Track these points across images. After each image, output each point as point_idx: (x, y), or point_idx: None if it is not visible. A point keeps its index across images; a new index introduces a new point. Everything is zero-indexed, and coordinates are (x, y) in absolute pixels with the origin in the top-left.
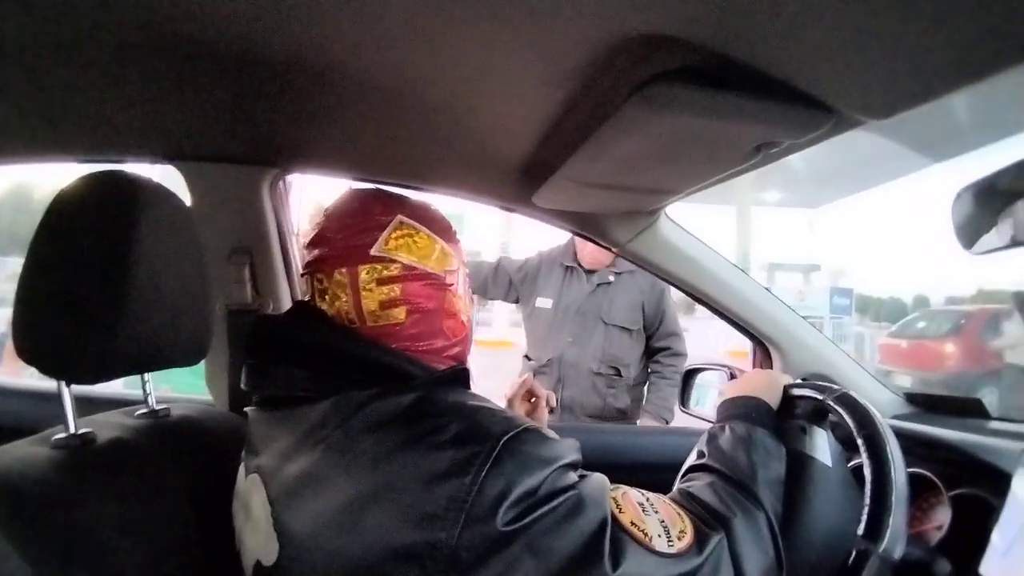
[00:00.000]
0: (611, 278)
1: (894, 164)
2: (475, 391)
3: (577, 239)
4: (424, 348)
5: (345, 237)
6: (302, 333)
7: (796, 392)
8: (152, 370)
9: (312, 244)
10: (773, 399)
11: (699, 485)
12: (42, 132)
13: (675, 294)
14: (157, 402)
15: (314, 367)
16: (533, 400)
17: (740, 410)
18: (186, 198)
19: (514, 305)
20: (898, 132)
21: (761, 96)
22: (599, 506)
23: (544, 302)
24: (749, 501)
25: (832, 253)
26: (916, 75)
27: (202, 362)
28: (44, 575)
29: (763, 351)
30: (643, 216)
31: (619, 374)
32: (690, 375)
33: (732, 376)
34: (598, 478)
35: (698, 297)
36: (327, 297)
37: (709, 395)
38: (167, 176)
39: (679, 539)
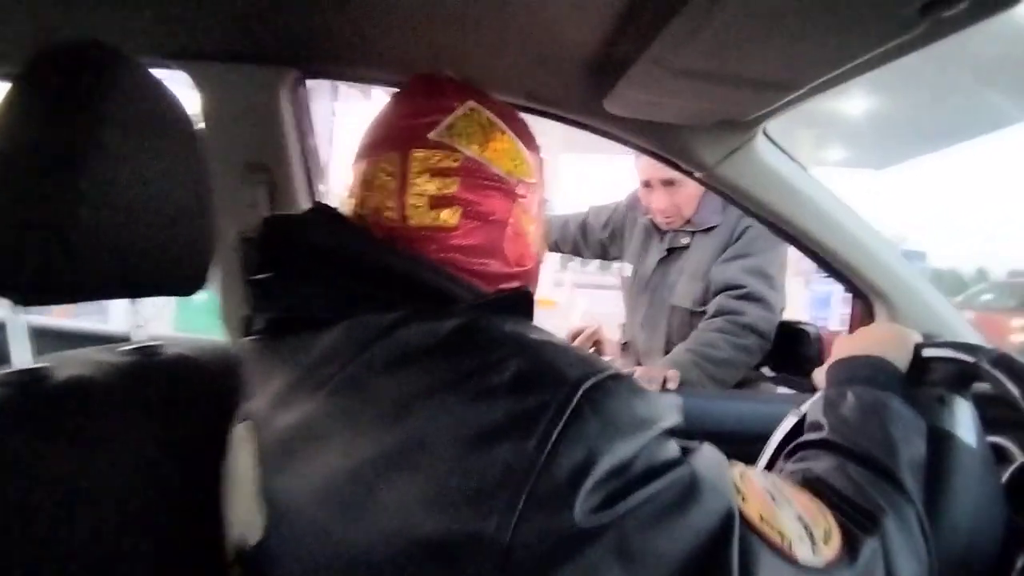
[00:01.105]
0: (685, 240)
1: (966, 125)
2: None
3: (640, 189)
4: (476, 267)
5: (402, 117)
6: (315, 235)
7: (932, 352)
8: (128, 296)
9: (371, 127)
10: (901, 360)
11: (826, 468)
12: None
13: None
14: (152, 339)
15: (326, 280)
16: (597, 350)
17: (862, 371)
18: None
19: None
20: (970, 91)
21: None
22: (720, 494)
23: (626, 268)
24: (896, 492)
25: (893, 218)
26: None
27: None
28: None
29: (865, 305)
30: (738, 131)
31: None
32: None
33: (818, 337)
34: (711, 452)
35: (795, 237)
36: (372, 186)
37: None
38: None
39: (825, 543)
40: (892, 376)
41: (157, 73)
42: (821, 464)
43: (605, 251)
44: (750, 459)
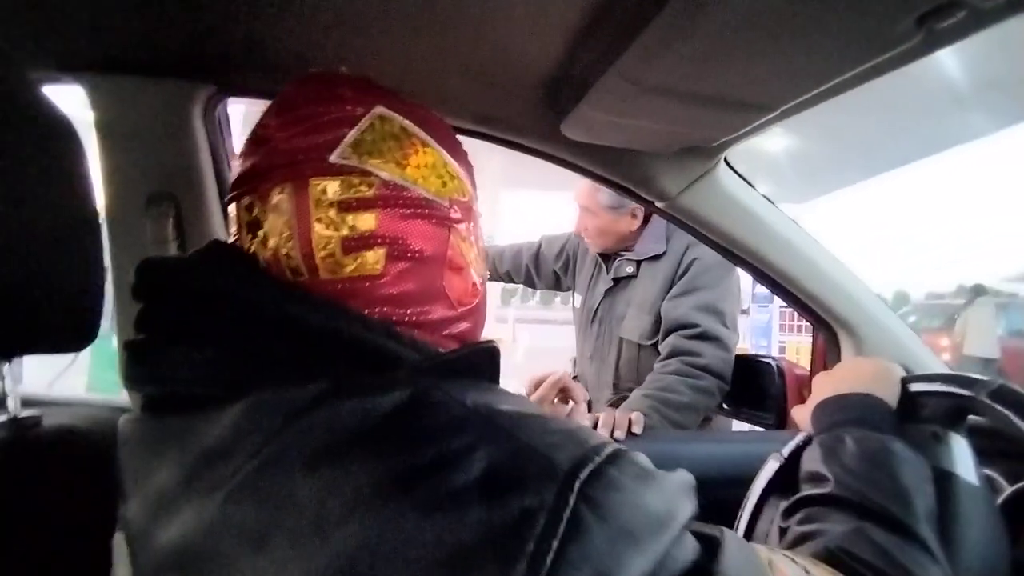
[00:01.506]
0: (629, 269)
1: (882, 158)
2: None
3: (578, 215)
4: (414, 318)
5: (292, 136)
6: (202, 280)
7: (922, 387)
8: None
9: (245, 152)
10: (890, 397)
11: (844, 533)
12: None
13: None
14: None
15: (223, 344)
16: (567, 404)
17: (853, 412)
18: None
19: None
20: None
21: None
22: None
23: (577, 298)
24: (921, 552)
25: None
26: None
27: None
28: None
29: (830, 336)
30: (701, 159)
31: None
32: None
33: (779, 371)
34: (735, 544)
35: (758, 268)
36: (260, 234)
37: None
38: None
39: None
40: (885, 415)
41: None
42: (836, 528)
43: (559, 281)
44: (727, 505)
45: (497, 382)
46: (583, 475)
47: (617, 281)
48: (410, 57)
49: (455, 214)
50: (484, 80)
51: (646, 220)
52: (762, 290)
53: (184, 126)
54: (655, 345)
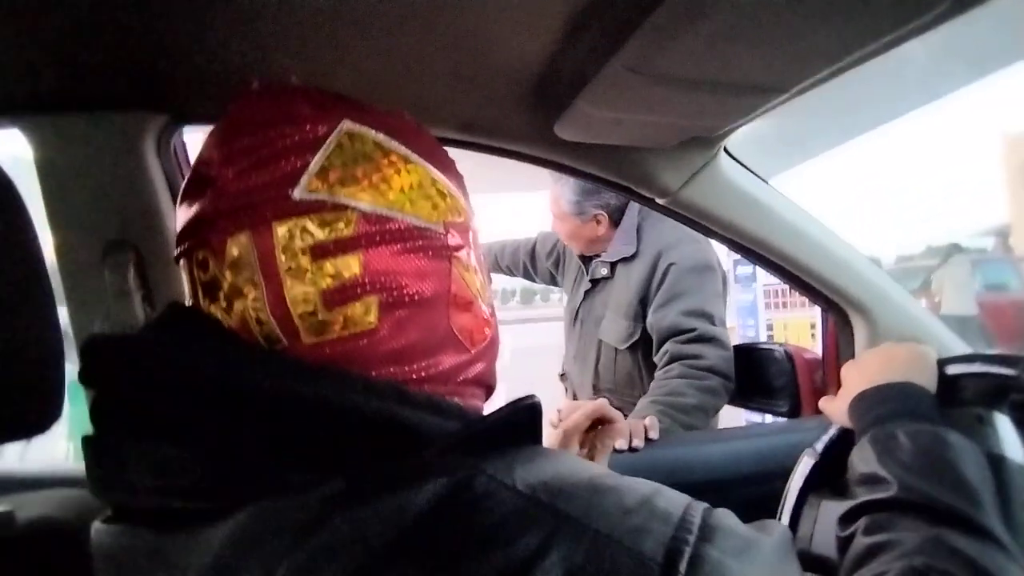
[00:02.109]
0: (604, 271)
1: (844, 128)
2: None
3: (552, 217)
4: (423, 373)
5: (242, 172)
6: (170, 365)
7: (960, 369)
8: None
9: (185, 196)
10: (929, 383)
11: (921, 544)
12: None
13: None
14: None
15: (198, 440)
16: (601, 428)
17: (897, 403)
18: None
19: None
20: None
21: None
22: None
23: (565, 298)
24: (1002, 553)
25: None
26: None
27: None
28: None
29: (841, 319)
30: (700, 150)
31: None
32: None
33: (788, 357)
34: None
35: (765, 256)
36: (220, 296)
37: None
38: None
39: None
40: (930, 403)
41: None
42: (910, 537)
43: (553, 278)
44: (758, 502)
45: (540, 442)
46: (682, 568)
47: (595, 283)
48: (381, 63)
49: (453, 240)
50: (467, 82)
51: (618, 222)
52: (745, 270)
53: (137, 164)
54: (631, 348)
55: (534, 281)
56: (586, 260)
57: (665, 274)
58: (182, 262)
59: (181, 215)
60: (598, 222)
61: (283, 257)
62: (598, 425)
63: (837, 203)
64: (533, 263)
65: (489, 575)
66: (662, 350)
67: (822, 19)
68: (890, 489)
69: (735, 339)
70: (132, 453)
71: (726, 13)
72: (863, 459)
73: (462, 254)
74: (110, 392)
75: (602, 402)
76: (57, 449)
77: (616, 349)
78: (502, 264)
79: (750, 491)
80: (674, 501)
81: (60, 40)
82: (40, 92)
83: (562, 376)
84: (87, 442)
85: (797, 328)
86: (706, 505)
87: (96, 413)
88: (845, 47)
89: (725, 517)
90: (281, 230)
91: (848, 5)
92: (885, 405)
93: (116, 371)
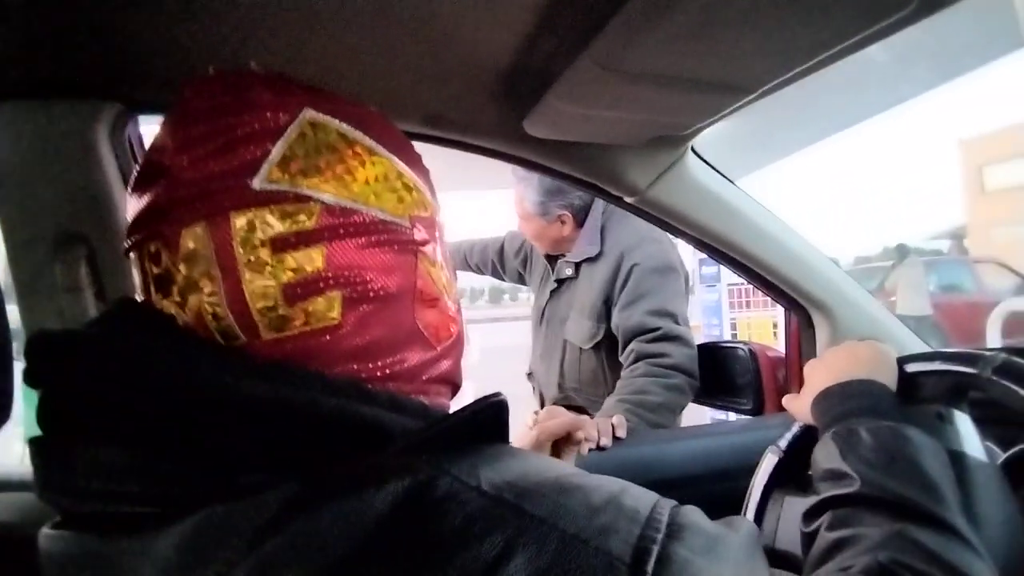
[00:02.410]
0: (568, 271)
1: (804, 133)
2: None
3: (517, 217)
4: (387, 371)
5: (198, 159)
6: (118, 363)
7: (920, 367)
8: None
9: (137, 186)
10: (890, 380)
11: (885, 537)
12: None
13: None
14: None
15: (148, 441)
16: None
17: (860, 401)
18: None
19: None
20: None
21: None
22: None
23: (533, 298)
24: (965, 548)
25: None
26: None
27: None
28: None
29: (803, 318)
30: (668, 149)
31: (585, 411)
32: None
33: (752, 355)
34: None
35: (730, 255)
36: (173, 290)
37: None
38: None
39: None
40: (891, 401)
41: None
42: (874, 532)
43: (521, 277)
44: (723, 500)
45: (507, 440)
46: (650, 568)
47: (560, 283)
48: (345, 55)
49: (419, 234)
50: (435, 75)
51: (583, 222)
52: (709, 270)
53: (89, 154)
54: (595, 348)
55: (503, 280)
56: (552, 260)
57: (629, 275)
58: (132, 255)
59: (132, 205)
60: (563, 222)
61: (241, 250)
62: (569, 436)
63: (800, 204)
64: (502, 262)
65: None
66: (628, 349)
67: (788, 19)
68: (853, 485)
69: (700, 338)
70: (79, 456)
71: (695, 11)
72: (826, 455)
73: (428, 249)
74: (56, 392)
75: (583, 419)
76: (13, 452)
77: (581, 349)
78: (471, 262)
79: (716, 488)
80: (642, 499)
81: (8, 26)
82: None
83: (529, 375)
84: (33, 444)
85: (761, 327)
86: (674, 502)
87: (43, 414)
88: (811, 48)
89: (692, 514)
90: (240, 221)
91: (814, 5)
92: (847, 402)
93: (62, 370)
